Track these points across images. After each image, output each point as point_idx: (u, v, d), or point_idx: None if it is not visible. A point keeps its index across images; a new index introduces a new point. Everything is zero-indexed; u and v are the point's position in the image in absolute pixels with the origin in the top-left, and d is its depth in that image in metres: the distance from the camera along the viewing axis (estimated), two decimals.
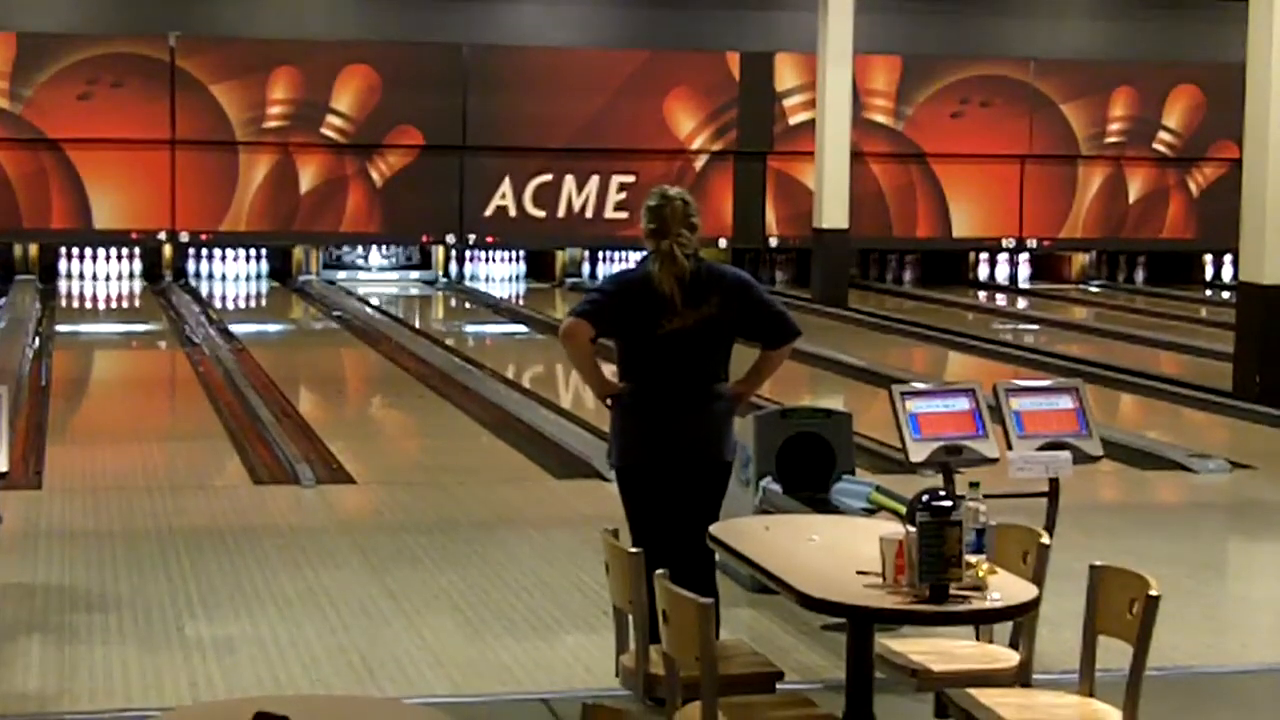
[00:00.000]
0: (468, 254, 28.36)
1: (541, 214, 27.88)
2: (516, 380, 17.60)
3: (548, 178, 27.84)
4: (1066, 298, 27.95)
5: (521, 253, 28.64)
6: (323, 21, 27.68)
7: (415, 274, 28.48)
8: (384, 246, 28.36)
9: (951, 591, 5.51)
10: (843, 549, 6.10)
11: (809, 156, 26.32)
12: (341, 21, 27.74)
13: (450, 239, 27.67)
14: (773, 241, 28.54)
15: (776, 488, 9.05)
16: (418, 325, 22.03)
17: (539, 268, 28.65)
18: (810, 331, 19.99)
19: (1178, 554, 10.35)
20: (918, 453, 8.26)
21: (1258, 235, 15.83)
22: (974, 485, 6.18)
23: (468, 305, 26.11)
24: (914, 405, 8.33)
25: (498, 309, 25.19)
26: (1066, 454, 8.32)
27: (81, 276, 26.98)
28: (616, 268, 28.67)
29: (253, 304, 25.92)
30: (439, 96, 27.22)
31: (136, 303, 25.15)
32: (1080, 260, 30.24)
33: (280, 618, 8.56)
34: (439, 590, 9.17)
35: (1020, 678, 6.19)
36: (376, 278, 28.23)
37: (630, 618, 6.07)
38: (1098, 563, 5.94)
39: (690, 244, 7.27)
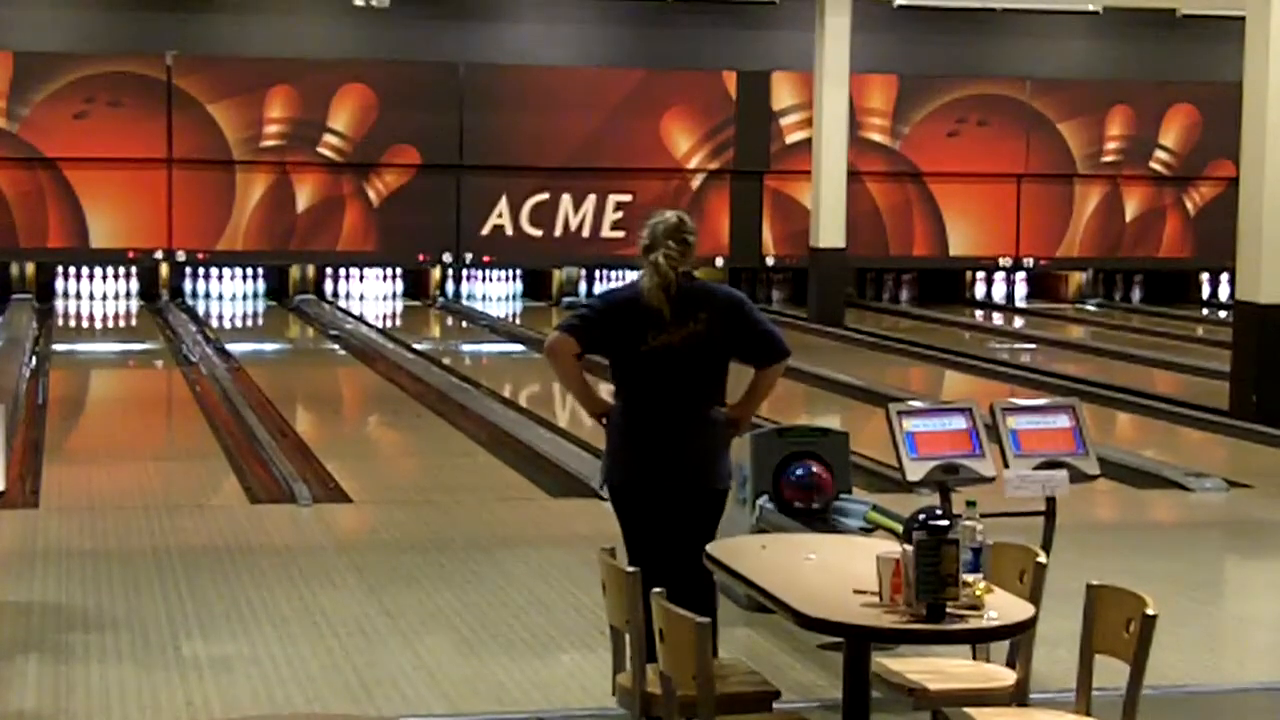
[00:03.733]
0: (464, 273, 28.35)
1: (538, 233, 27.90)
2: (513, 399, 17.61)
3: (544, 197, 27.86)
4: (1063, 316, 27.95)
5: (518, 272, 28.65)
6: (319, 41, 27.70)
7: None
8: (381, 272, 28.27)
9: (948, 610, 5.52)
10: (839, 568, 6.10)
11: (806, 175, 26.34)
12: (338, 41, 27.76)
13: (447, 258, 27.68)
14: (770, 260, 28.57)
15: (773, 506, 9.05)
16: (414, 344, 22.02)
17: (536, 287, 28.66)
18: (807, 350, 20.07)
19: (1174, 573, 10.35)
20: (914, 471, 8.26)
21: (1254, 254, 15.84)
22: (971, 504, 6.19)
23: (464, 324, 26.11)
24: (911, 424, 8.33)
25: (494, 328, 25.19)
26: (1063, 473, 8.32)
27: (78, 295, 26.97)
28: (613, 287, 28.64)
29: (249, 323, 25.91)
30: (436, 116, 27.26)
31: (133, 322, 25.14)
32: (1077, 279, 30.25)
33: (277, 637, 8.56)
34: (435, 609, 9.17)
35: (1017, 697, 6.19)
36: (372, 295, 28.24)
37: (627, 637, 6.07)
38: (1094, 582, 5.95)
39: (678, 258, 7.21)
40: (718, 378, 7.34)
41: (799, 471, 8.70)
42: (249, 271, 27.73)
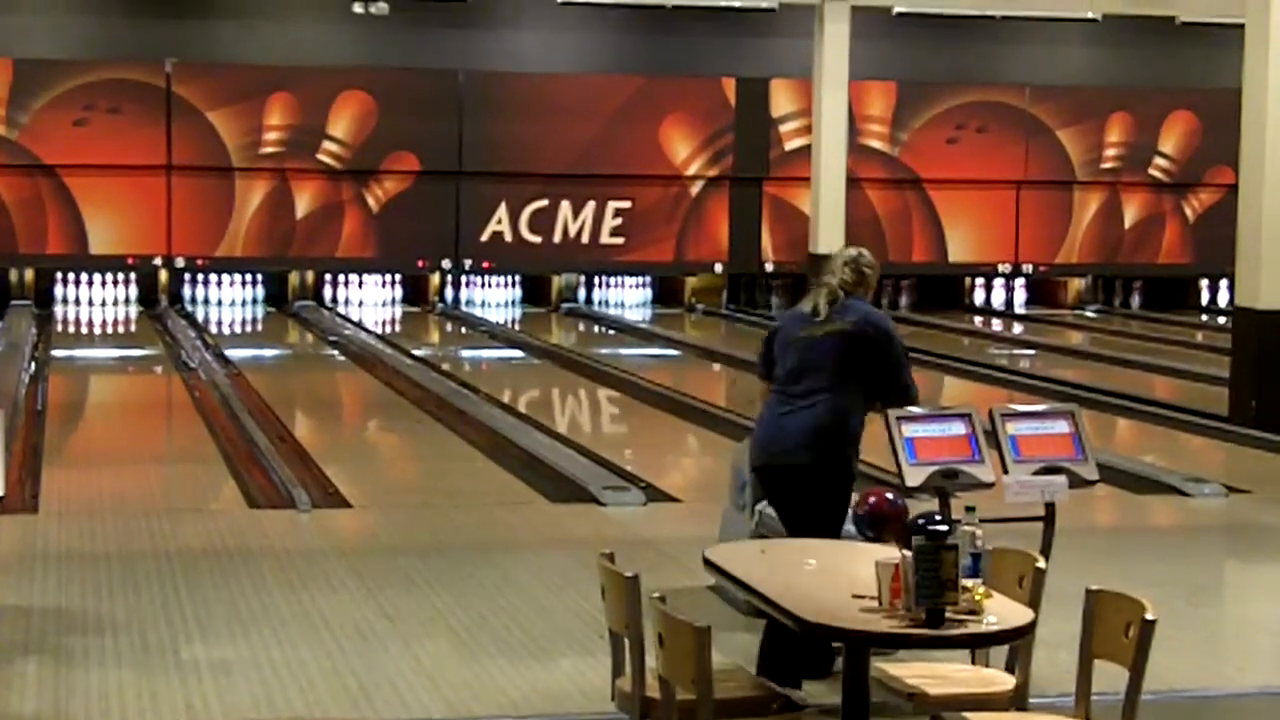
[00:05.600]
0: (463, 279, 28.36)
1: (537, 239, 27.90)
2: (512, 404, 17.61)
3: (544, 203, 27.86)
4: (1063, 322, 27.96)
5: (517, 278, 28.64)
6: (319, 47, 27.71)
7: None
8: (380, 278, 28.24)
9: (947, 615, 5.52)
10: (839, 573, 6.11)
11: (805, 182, 26.35)
12: (338, 47, 27.77)
13: (446, 264, 27.69)
14: (769, 267, 28.56)
15: (772, 512, 9.04)
16: (413, 350, 22.02)
17: (535, 293, 28.66)
18: None
19: (1174, 577, 10.35)
20: (914, 477, 8.26)
21: (1253, 260, 15.85)
22: (970, 509, 6.19)
23: (463, 330, 26.11)
24: (910, 429, 8.34)
25: (493, 334, 25.19)
26: (1062, 478, 8.32)
27: (78, 302, 26.96)
28: (613, 293, 28.76)
29: (248, 329, 25.92)
30: (435, 122, 27.26)
31: (132, 328, 25.13)
32: (1076, 285, 30.26)
33: (276, 640, 8.56)
34: (434, 613, 9.17)
35: (1016, 701, 6.20)
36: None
37: (626, 641, 6.07)
38: (1094, 586, 5.95)
39: (850, 282, 7.92)
40: (850, 377, 7.81)
41: (872, 499, 8.31)
42: (248, 278, 27.70)
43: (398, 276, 28.25)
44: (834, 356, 7.77)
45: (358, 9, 26.53)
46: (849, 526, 8.77)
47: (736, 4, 28.22)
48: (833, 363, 7.78)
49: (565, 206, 27.91)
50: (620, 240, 27.98)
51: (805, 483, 7.77)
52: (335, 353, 22.39)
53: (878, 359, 7.82)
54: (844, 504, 7.85)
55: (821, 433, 7.73)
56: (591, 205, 27.97)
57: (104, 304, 27.04)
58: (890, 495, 8.43)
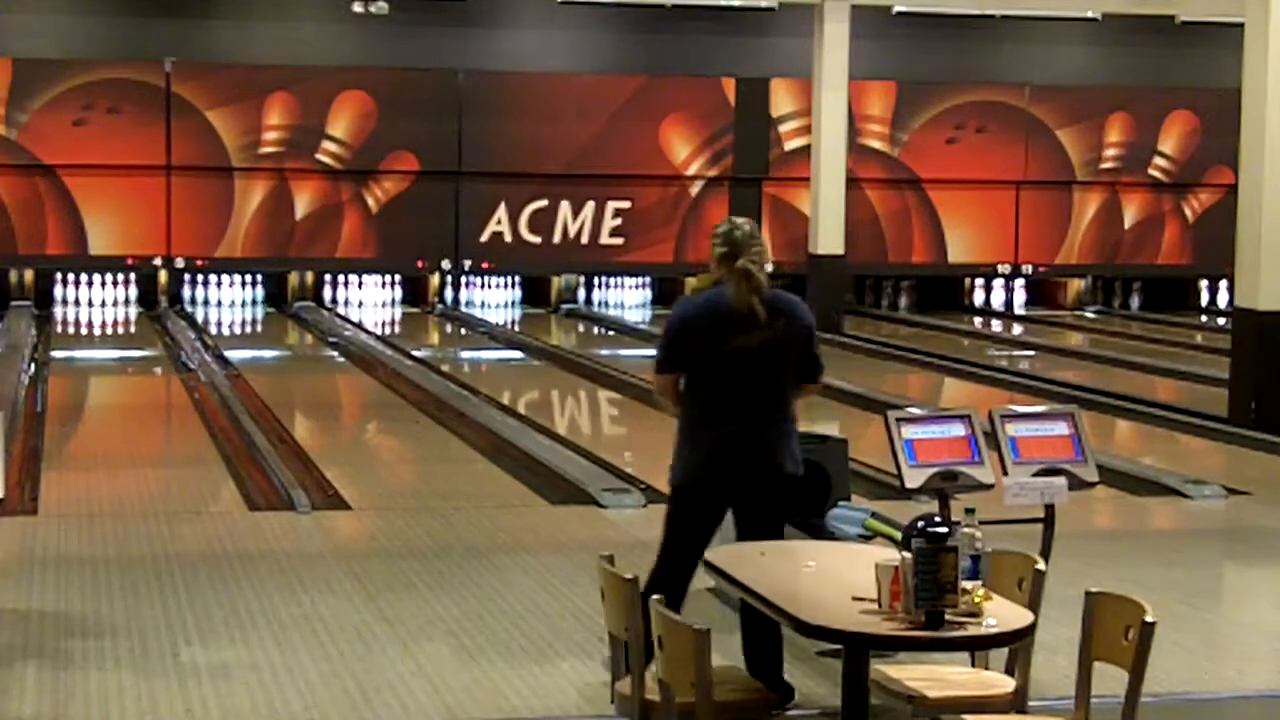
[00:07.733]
0: (463, 279, 28.35)
1: (537, 240, 27.90)
2: (512, 406, 17.60)
3: (543, 203, 27.86)
4: (1062, 323, 27.96)
5: (517, 278, 28.64)
6: (318, 47, 27.70)
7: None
8: (380, 279, 28.22)
9: (947, 618, 5.52)
10: (839, 575, 6.10)
11: (804, 182, 26.33)
12: (337, 47, 27.76)
13: (446, 264, 27.69)
14: (768, 267, 28.45)
15: None
16: (413, 351, 22.01)
17: (534, 293, 28.65)
18: None
19: (1173, 580, 10.34)
20: (913, 479, 8.26)
21: (1253, 261, 15.84)
22: (969, 511, 6.19)
23: (463, 331, 26.10)
24: (909, 431, 8.34)
25: (493, 335, 25.18)
26: (1062, 480, 8.32)
27: (77, 302, 26.95)
28: (612, 294, 28.74)
29: (248, 330, 25.91)
30: (434, 122, 27.26)
31: (132, 329, 25.12)
32: (1076, 286, 30.26)
33: (275, 643, 8.56)
34: (434, 616, 9.17)
35: (1016, 704, 6.20)
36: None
37: (626, 644, 6.07)
38: (1093, 589, 5.95)
39: (762, 264, 7.50)
40: (789, 381, 7.51)
41: None
42: (248, 278, 27.70)
43: (397, 277, 28.24)
44: (777, 369, 7.46)
45: (357, 9, 26.52)
46: (844, 527, 8.80)
47: (736, 4, 28.24)
48: (776, 376, 7.47)
49: (565, 207, 27.91)
50: (620, 241, 27.98)
51: (785, 487, 7.53)
52: (335, 354, 22.38)
53: (804, 352, 7.54)
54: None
55: (786, 450, 7.49)
56: (591, 205, 27.97)
57: (103, 305, 27.03)
58: None
